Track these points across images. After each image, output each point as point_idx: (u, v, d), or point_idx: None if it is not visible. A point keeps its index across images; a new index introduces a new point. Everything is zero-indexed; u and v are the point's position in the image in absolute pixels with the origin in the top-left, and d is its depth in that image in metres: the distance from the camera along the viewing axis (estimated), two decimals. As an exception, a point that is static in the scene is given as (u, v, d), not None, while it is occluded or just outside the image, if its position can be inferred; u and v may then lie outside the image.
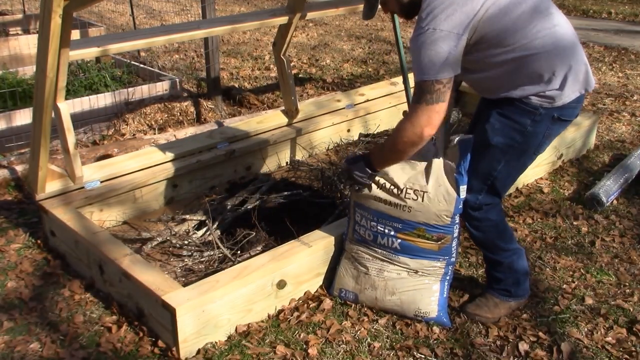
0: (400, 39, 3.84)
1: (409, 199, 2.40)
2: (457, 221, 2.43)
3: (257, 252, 2.84)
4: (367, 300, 2.61)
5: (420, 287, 2.53)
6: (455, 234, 2.46)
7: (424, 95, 2.11)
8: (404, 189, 2.40)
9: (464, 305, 2.64)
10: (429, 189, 2.36)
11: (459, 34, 2.07)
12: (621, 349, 2.43)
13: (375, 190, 2.46)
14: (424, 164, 2.40)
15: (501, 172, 2.34)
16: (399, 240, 2.49)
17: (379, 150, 2.38)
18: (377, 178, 2.45)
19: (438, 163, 2.37)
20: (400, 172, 2.41)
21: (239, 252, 2.89)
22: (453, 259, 2.52)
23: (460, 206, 2.38)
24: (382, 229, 2.50)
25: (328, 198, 3.42)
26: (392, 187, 2.42)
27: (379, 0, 2.25)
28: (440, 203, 2.36)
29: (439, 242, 2.45)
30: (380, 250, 2.56)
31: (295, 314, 2.58)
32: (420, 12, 2.13)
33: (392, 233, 2.49)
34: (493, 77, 2.23)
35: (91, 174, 3.20)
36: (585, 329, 2.53)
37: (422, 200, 2.38)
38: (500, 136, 2.27)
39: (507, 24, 2.11)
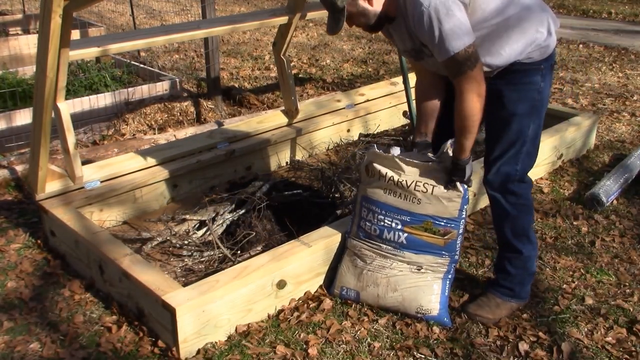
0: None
1: (419, 191, 2.44)
2: (464, 216, 2.46)
3: (257, 252, 2.84)
4: (369, 298, 2.62)
5: (422, 284, 2.54)
6: (461, 231, 2.48)
7: (462, 66, 2.16)
8: (414, 182, 2.45)
9: (464, 305, 2.64)
10: (437, 183, 2.43)
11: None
12: (621, 349, 2.43)
13: (385, 183, 2.49)
14: (431, 163, 2.45)
15: (530, 134, 2.41)
16: (406, 234, 2.51)
17: (462, 144, 2.33)
18: (384, 171, 2.49)
19: (444, 163, 2.44)
20: (410, 168, 2.46)
21: (239, 252, 2.89)
22: (456, 257, 2.53)
23: (467, 196, 2.44)
24: (390, 223, 2.52)
25: (328, 198, 3.42)
26: (401, 180, 2.46)
27: (344, 15, 2.22)
28: (450, 195, 2.42)
29: (445, 237, 2.47)
30: (385, 246, 2.57)
31: (295, 314, 2.58)
32: None
33: (399, 227, 2.51)
34: (493, 38, 2.27)
35: (91, 174, 3.20)
36: (585, 329, 2.53)
37: (432, 193, 2.43)
38: (523, 103, 2.36)
39: None
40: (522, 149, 2.42)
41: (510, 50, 2.28)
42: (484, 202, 3.52)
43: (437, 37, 2.12)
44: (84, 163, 3.18)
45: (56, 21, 2.38)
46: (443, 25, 2.10)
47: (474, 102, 2.21)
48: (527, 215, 2.54)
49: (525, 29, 2.27)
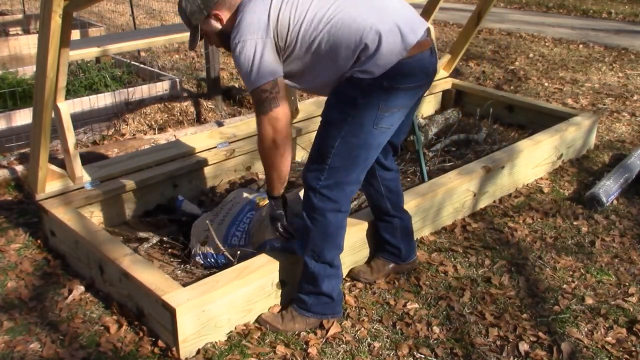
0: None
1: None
2: None
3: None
4: None
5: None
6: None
7: (258, 107, 2.21)
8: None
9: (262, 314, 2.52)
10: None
11: (262, 38, 2.14)
12: (621, 349, 2.43)
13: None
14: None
15: (339, 150, 2.24)
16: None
17: (268, 182, 2.40)
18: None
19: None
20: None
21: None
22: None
23: None
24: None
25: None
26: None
27: (199, 32, 2.35)
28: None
29: None
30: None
31: (295, 314, 2.58)
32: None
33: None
34: (315, 75, 2.28)
35: (91, 174, 3.20)
36: (585, 329, 2.53)
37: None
38: (334, 111, 2.28)
39: (295, 17, 2.17)
40: (327, 161, 2.25)
41: (324, 81, 2.28)
42: (484, 202, 3.52)
43: (242, 70, 2.17)
44: (84, 163, 3.18)
45: (56, 21, 2.38)
46: (238, 63, 2.17)
47: (265, 152, 2.25)
48: (321, 235, 2.34)
49: (344, 60, 2.18)
